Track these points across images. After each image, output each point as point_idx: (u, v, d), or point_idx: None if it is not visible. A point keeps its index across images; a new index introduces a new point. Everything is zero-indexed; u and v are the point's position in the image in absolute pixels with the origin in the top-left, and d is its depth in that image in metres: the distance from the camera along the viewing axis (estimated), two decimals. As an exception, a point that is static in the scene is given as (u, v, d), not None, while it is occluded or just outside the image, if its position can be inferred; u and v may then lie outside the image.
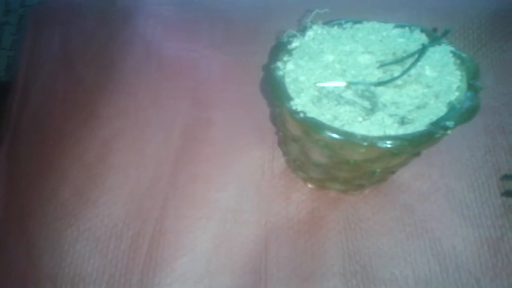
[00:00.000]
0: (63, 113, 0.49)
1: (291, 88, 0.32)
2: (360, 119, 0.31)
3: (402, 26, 0.35)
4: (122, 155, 0.45)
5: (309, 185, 0.44)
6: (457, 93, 0.31)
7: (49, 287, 0.40)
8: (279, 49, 0.34)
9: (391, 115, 0.31)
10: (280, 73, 0.33)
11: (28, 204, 0.44)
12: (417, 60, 0.32)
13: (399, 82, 0.32)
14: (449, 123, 0.30)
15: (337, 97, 0.31)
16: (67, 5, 0.57)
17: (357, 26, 0.35)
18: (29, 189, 0.44)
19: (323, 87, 0.32)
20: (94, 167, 0.45)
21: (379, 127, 0.30)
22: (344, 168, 0.36)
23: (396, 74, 0.32)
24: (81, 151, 0.46)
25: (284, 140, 0.40)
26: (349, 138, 0.29)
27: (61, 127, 0.48)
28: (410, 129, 0.30)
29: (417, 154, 0.34)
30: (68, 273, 0.40)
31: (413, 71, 0.32)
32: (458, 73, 0.33)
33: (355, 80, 0.32)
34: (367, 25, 0.35)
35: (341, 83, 0.31)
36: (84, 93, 0.49)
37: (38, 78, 0.52)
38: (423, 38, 0.34)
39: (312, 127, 0.30)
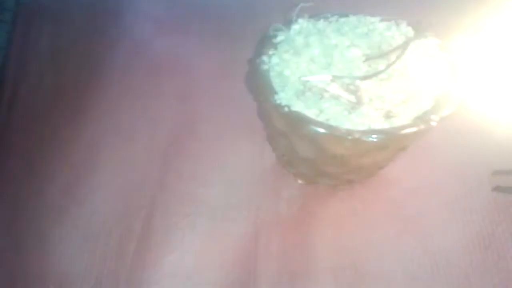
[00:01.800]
0: (51, 112, 0.48)
1: (276, 82, 0.32)
2: (345, 113, 0.31)
3: (389, 20, 0.35)
4: (111, 153, 0.45)
5: (299, 181, 0.43)
6: (442, 87, 0.31)
7: (38, 286, 0.39)
8: (264, 43, 0.34)
9: (376, 109, 0.31)
10: (265, 67, 0.33)
11: (16, 203, 0.43)
12: (402, 53, 0.32)
13: (384, 75, 0.32)
14: (434, 117, 0.29)
15: (321, 91, 0.31)
16: (57, 2, 0.57)
17: (343, 19, 0.35)
18: (17, 188, 0.44)
19: (308, 81, 0.31)
20: (82, 165, 0.44)
21: (365, 121, 0.30)
22: (331, 163, 0.36)
23: (381, 67, 0.32)
24: (69, 149, 0.45)
25: (271, 136, 0.39)
26: (334, 132, 0.29)
27: (49, 125, 0.47)
28: (395, 122, 0.30)
29: (404, 148, 0.34)
30: (56, 271, 0.40)
31: (398, 65, 0.32)
32: (444, 66, 0.32)
33: (340, 74, 0.32)
34: (353, 18, 0.35)
35: (326, 77, 0.31)
36: (72, 91, 0.49)
37: (26, 76, 0.52)
38: (409, 32, 0.34)
39: (296, 121, 0.30)
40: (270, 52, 0.33)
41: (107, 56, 0.52)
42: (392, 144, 0.31)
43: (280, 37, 0.34)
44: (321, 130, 0.29)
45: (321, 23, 0.35)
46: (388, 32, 0.34)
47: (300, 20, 0.34)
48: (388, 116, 0.30)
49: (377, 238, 0.40)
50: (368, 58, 0.33)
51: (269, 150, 0.45)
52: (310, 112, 0.30)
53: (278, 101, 0.30)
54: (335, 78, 0.31)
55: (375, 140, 0.29)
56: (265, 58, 0.33)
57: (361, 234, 0.41)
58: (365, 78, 0.32)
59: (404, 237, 0.40)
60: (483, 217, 0.41)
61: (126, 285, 0.39)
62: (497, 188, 0.42)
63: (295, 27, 0.34)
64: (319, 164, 0.37)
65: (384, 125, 0.30)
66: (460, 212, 0.41)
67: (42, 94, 0.50)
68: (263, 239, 0.41)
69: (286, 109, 0.30)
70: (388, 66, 0.31)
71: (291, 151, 0.36)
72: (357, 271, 0.39)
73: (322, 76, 0.31)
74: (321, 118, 0.30)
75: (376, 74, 0.32)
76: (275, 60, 0.33)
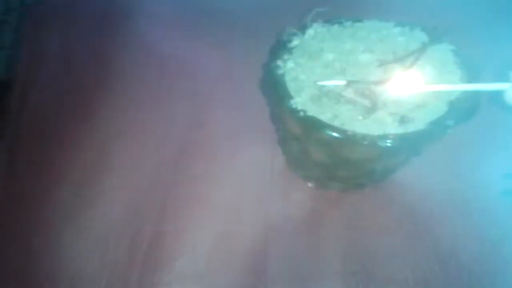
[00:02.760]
0: (61, 113, 0.48)
1: (291, 87, 0.32)
2: (360, 117, 0.31)
3: (403, 25, 0.35)
4: (121, 155, 0.45)
5: (309, 184, 0.44)
6: (457, 92, 0.31)
7: (48, 287, 0.39)
8: (279, 48, 0.34)
9: (391, 114, 0.31)
10: (280, 71, 0.33)
11: (26, 204, 0.43)
12: (417, 58, 0.32)
13: (399, 80, 0.32)
14: (449, 122, 0.29)
15: (337, 96, 0.31)
16: (66, 4, 0.57)
17: (358, 24, 0.35)
18: (27, 190, 0.44)
19: (323, 86, 0.31)
20: (93, 167, 0.45)
21: (379, 125, 0.30)
22: (344, 167, 0.36)
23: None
24: (80, 150, 0.45)
25: (284, 139, 0.40)
26: (349, 137, 0.29)
27: (59, 127, 0.47)
28: (410, 128, 0.30)
29: (417, 153, 0.34)
30: (66, 272, 0.40)
31: (413, 70, 0.32)
32: (458, 71, 0.32)
33: (355, 79, 0.32)
34: (367, 23, 0.35)
35: (341, 82, 0.31)
36: (82, 93, 0.49)
37: (37, 78, 0.52)
38: (424, 37, 0.34)
39: (312, 125, 0.30)
40: (285, 57, 0.33)
41: (116, 58, 0.52)
42: (406, 149, 0.31)
43: (295, 42, 0.34)
44: (336, 134, 0.29)
45: (336, 28, 0.35)
46: (403, 37, 0.34)
47: (314, 25, 0.35)
48: (402, 121, 0.30)
49: (388, 242, 0.40)
50: (382, 63, 0.33)
51: (279, 153, 0.45)
52: (325, 117, 0.30)
53: (294, 106, 0.30)
54: (350, 83, 0.32)
55: (389, 145, 0.29)
56: (280, 62, 0.33)
57: (372, 238, 0.41)
58: (380, 83, 0.32)
59: (415, 241, 0.40)
60: (494, 221, 0.41)
61: (136, 287, 0.39)
62: (507, 192, 0.42)
63: (310, 32, 0.35)
64: (331, 168, 0.37)
65: (398, 130, 0.30)
66: (471, 216, 0.41)
67: (52, 95, 0.50)
68: (274, 242, 0.41)
69: (301, 113, 0.30)
70: (403, 71, 0.31)
71: (303, 155, 0.37)
72: (368, 275, 0.39)
73: (337, 81, 0.31)
74: (336, 123, 0.30)
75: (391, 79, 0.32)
76: (290, 64, 0.33)
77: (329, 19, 0.35)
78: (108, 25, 0.55)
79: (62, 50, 0.54)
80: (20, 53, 0.54)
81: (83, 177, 0.44)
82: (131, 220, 0.42)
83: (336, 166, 0.36)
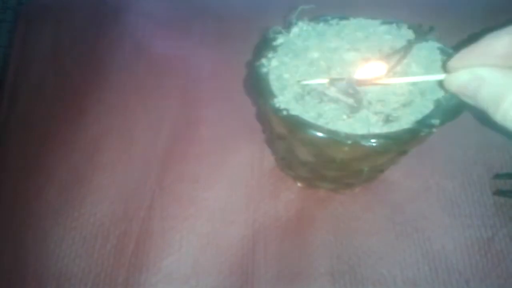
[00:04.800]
0: (51, 112, 0.48)
1: (275, 86, 0.32)
2: (344, 116, 0.30)
3: (389, 23, 0.35)
4: (110, 154, 0.45)
5: (299, 184, 0.43)
6: (443, 91, 0.31)
7: (35, 286, 0.39)
8: (263, 46, 0.34)
9: (376, 113, 0.30)
10: (264, 70, 0.32)
11: (14, 203, 0.43)
12: (403, 57, 0.31)
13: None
14: (435, 121, 0.29)
15: (320, 95, 0.31)
16: (58, 3, 0.57)
17: (343, 22, 0.35)
18: (16, 188, 0.44)
19: (307, 85, 0.31)
20: (81, 166, 0.44)
21: (364, 125, 0.30)
22: (331, 167, 0.35)
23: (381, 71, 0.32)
24: (69, 150, 0.45)
25: (270, 139, 0.39)
26: (333, 136, 0.29)
27: (49, 126, 0.47)
28: (395, 127, 0.30)
29: (404, 152, 0.33)
30: (53, 272, 0.40)
31: (399, 68, 0.31)
32: (444, 70, 0.32)
33: (340, 77, 0.31)
34: (353, 21, 0.35)
35: (323, 80, 0.31)
36: (72, 92, 0.49)
37: (27, 76, 0.52)
38: (410, 35, 0.34)
39: (295, 125, 0.30)
40: (270, 55, 0.33)
41: (107, 57, 0.51)
42: (392, 148, 0.30)
43: (280, 40, 0.34)
44: (320, 134, 0.29)
45: (321, 26, 0.34)
46: (389, 35, 0.34)
47: (300, 23, 0.34)
48: (388, 120, 0.30)
49: (377, 242, 0.40)
50: (368, 62, 0.32)
51: (268, 153, 0.44)
52: (309, 116, 0.30)
53: (277, 105, 0.30)
54: (332, 81, 0.31)
55: (374, 144, 0.29)
56: (264, 61, 0.33)
57: (361, 238, 0.40)
58: (364, 81, 0.31)
59: (404, 241, 0.40)
60: (484, 221, 0.41)
61: (123, 287, 0.39)
62: (498, 192, 0.41)
63: (295, 30, 0.34)
64: (318, 168, 0.36)
65: (383, 129, 0.29)
66: (461, 216, 0.41)
67: (42, 94, 0.50)
68: (262, 242, 0.41)
69: (285, 112, 0.30)
70: (389, 69, 0.31)
71: (290, 155, 0.36)
72: (356, 276, 0.39)
73: (321, 80, 0.31)
74: (320, 122, 0.30)
75: (376, 78, 0.31)
76: (274, 63, 0.33)
77: (315, 17, 0.35)
78: (100, 24, 0.54)
79: (54, 49, 0.53)
80: (11, 52, 0.54)
81: (71, 176, 0.44)
82: (118, 220, 0.42)
83: (322, 166, 0.36)
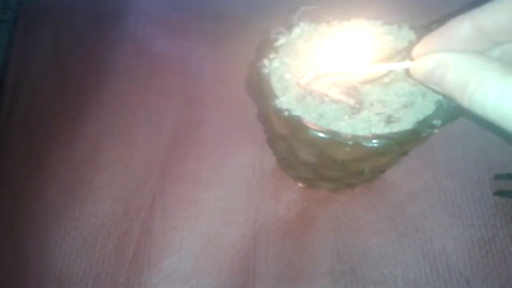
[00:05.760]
0: (52, 112, 0.48)
1: (276, 86, 0.32)
2: (346, 117, 0.30)
3: (391, 23, 0.35)
4: (111, 154, 0.45)
5: (300, 184, 0.43)
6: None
7: (35, 287, 0.39)
8: (265, 46, 0.34)
9: (377, 114, 0.30)
10: (266, 70, 0.32)
11: (15, 203, 0.43)
12: (405, 57, 0.31)
13: (386, 80, 0.32)
14: (436, 122, 0.29)
15: (322, 95, 0.31)
16: (58, 3, 0.57)
17: (345, 23, 0.35)
18: (16, 188, 0.44)
19: (308, 85, 0.31)
20: (82, 166, 0.44)
21: (365, 125, 0.30)
22: (332, 167, 0.35)
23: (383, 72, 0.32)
24: (69, 150, 0.45)
25: (272, 139, 0.39)
26: (334, 137, 0.29)
27: (50, 126, 0.47)
28: (396, 127, 0.30)
29: (405, 153, 0.34)
30: (54, 273, 0.40)
31: (400, 69, 0.31)
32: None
33: (341, 78, 0.31)
34: (355, 22, 0.35)
35: (324, 81, 0.31)
36: (73, 92, 0.49)
37: (28, 76, 0.52)
38: (412, 35, 0.34)
39: (297, 125, 0.30)
40: (271, 56, 0.33)
41: (108, 57, 0.51)
42: (393, 149, 0.30)
43: (281, 41, 0.34)
44: (321, 134, 0.29)
45: (323, 27, 0.34)
46: (390, 35, 0.34)
47: (301, 24, 0.34)
48: (389, 121, 0.30)
49: (378, 242, 0.40)
50: (369, 62, 0.32)
51: (270, 153, 0.44)
52: (310, 117, 0.30)
53: (278, 105, 0.30)
54: (335, 82, 0.31)
55: (375, 145, 0.29)
56: (266, 61, 0.32)
57: (361, 238, 0.40)
58: (366, 82, 0.31)
59: (405, 241, 0.40)
60: (485, 222, 0.41)
61: (124, 287, 0.39)
62: (499, 192, 0.41)
63: (297, 30, 0.34)
64: (319, 168, 0.37)
65: (385, 130, 0.29)
66: (462, 216, 0.41)
67: (43, 94, 0.50)
68: (263, 242, 0.41)
69: (286, 113, 0.30)
70: (390, 70, 0.31)
71: (291, 155, 0.36)
72: (357, 276, 0.39)
73: (321, 80, 0.31)
74: (321, 123, 0.30)
75: (377, 78, 0.31)
76: (276, 64, 0.32)
77: (316, 18, 0.35)
78: (101, 25, 0.54)
79: (54, 50, 0.53)
80: (11, 53, 0.54)
81: (72, 177, 0.44)
82: (119, 220, 0.42)
83: (323, 166, 0.36)
